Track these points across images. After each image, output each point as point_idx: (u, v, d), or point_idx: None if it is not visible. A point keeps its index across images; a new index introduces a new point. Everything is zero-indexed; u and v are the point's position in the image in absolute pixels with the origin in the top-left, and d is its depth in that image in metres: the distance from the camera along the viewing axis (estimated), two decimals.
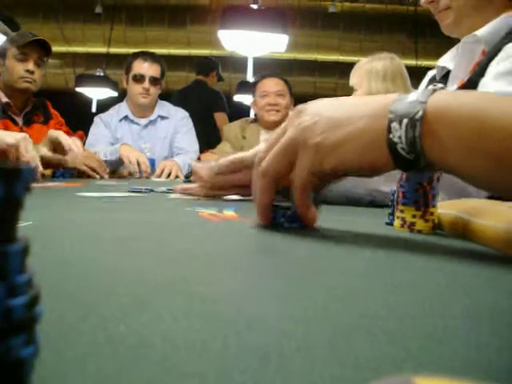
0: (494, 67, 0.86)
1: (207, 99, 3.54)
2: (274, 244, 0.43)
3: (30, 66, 1.82)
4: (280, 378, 0.15)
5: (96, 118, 2.37)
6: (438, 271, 0.33)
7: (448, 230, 0.51)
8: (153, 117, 2.35)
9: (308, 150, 0.44)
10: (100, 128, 2.32)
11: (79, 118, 3.35)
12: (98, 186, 1.19)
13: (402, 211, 0.52)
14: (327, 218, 0.52)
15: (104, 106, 2.85)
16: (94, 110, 6.09)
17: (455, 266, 0.35)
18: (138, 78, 2.26)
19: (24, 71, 1.81)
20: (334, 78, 6.58)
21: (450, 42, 1.08)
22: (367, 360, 0.16)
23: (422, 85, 1.17)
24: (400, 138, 0.39)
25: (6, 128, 1.74)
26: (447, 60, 1.06)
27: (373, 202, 0.79)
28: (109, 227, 0.49)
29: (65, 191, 1.01)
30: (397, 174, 0.48)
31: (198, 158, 2.30)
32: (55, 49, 1.96)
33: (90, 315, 0.20)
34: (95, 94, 5.62)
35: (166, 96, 2.56)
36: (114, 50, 5.89)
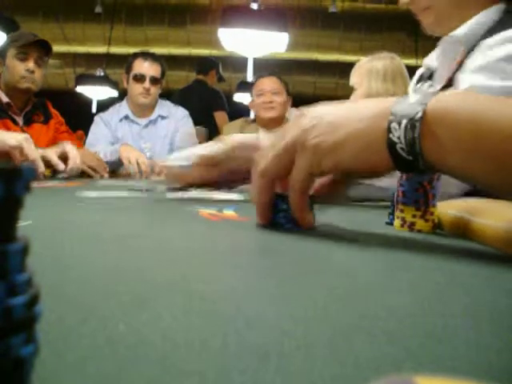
0: (471, 62, 0.86)
1: (207, 98, 3.54)
2: (274, 243, 0.43)
3: (31, 65, 1.82)
4: (280, 377, 0.15)
5: (96, 117, 2.37)
6: (438, 270, 0.33)
7: (448, 229, 0.51)
8: (153, 116, 2.35)
9: (306, 152, 0.44)
10: (100, 127, 2.32)
11: (79, 118, 3.36)
12: (98, 186, 1.19)
13: (401, 211, 0.52)
14: (327, 217, 0.52)
15: (104, 105, 2.85)
16: (94, 109, 6.09)
17: (455, 265, 0.35)
18: (139, 78, 2.25)
19: (25, 71, 1.81)
20: (334, 78, 6.59)
21: None
22: (367, 359, 0.16)
23: (412, 82, 1.17)
24: (399, 138, 0.39)
25: (7, 128, 1.74)
26: (432, 59, 1.07)
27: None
28: (108, 226, 0.49)
29: (65, 191, 1.01)
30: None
31: None
32: (55, 48, 1.96)
33: (89, 314, 0.20)
34: (95, 93, 5.62)
35: (166, 95, 2.55)
36: (114, 49, 5.89)
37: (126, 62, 2.35)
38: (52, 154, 1.33)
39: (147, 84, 2.25)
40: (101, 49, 6.13)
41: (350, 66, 2.07)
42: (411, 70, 2.04)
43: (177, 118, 2.38)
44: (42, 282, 0.14)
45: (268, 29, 2.88)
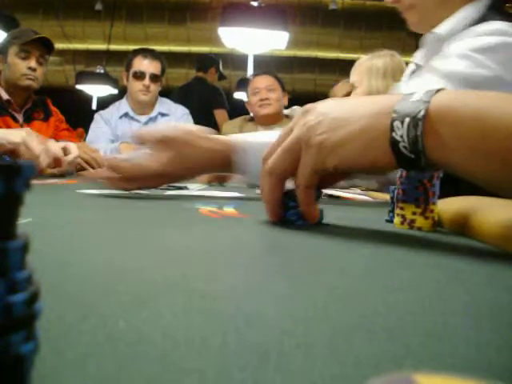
0: (444, 50, 0.89)
1: (207, 96, 3.53)
2: (274, 242, 0.43)
3: (32, 63, 1.82)
4: (279, 376, 0.15)
5: (96, 115, 2.36)
6: (438, 268, 0.33)
7: (448, 227, 0.51)
8: (153, 114, 2.35)
9: (311, 149, 0.44)
10: (100, 125, 2.32)
11: (79, 115, 3.36)
12: (98, 184, 1.19)
13: (402, 208, 0.52)
14: (327, 215, 0.52)
15: (104, 103, 2.85)
16: (94, 107, 6.09)
17: (455, 262, 0.35)
18: (139, 75, 2.25)
19: (26, 68, 1.81)
20: (334, 76, 6.57)
21: None
22: (367, 357, 0.16)
23: (405, 77, 1.18)
24: (402, 136, 0.39)
25: (7, 125, 1.74)
26: (420, 56, 1.07)
27: None
28: (108, 224, 0.49)
29: (65, 188, 1.01)
30: None
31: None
32: (55, 46, 1.96)
33: (89, 313, 0.20)
34: (95, 91, 5.61)
35: (166, 93, 2.55)
36: (114, 47, 5.89)
37: (125, 59, 2.35)
38: (55, 145, 1.34)
39: (147, 81, 2.25)
40: (101, 46, 6.13)
41: (350, 63, 2.07)
42: None
43: (177, 117, 2.38)
44: (42, 280, 0.14)
45: (268, 26, 2.87)
